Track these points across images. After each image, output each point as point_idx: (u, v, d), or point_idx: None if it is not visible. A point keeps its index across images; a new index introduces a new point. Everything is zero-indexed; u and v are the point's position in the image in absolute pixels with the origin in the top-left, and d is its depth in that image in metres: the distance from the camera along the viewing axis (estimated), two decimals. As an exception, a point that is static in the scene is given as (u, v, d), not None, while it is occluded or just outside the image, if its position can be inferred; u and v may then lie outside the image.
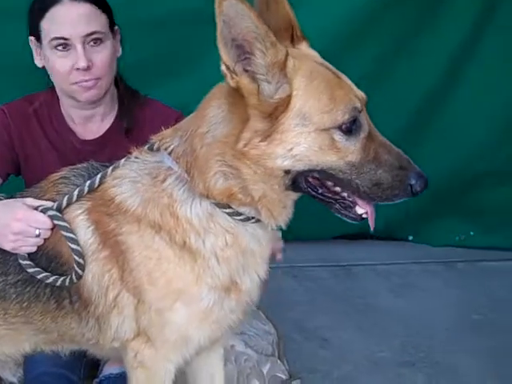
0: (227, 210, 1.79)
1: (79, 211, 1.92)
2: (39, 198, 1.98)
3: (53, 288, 1.93)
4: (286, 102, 1.66)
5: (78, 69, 2.28)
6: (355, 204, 1.77)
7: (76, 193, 1.91)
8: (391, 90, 4.12)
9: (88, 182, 1.92)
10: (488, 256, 4.49)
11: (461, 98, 4.29)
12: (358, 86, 3.70)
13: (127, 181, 1.88)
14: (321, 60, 1.78)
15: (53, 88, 2.47)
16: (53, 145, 2.49)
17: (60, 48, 2.28)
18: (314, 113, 1.66)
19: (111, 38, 2.36)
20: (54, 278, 1.91)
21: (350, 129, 1.68)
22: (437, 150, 4.37)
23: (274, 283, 3.80)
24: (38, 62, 2.42)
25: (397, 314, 3.73)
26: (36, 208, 1.93)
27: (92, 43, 2.29)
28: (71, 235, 1.88)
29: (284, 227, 1.86)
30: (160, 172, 1.85)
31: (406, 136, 4.28)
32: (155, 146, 1.89)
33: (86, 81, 2.31)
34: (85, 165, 2.02)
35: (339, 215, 1.80)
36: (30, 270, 1.93)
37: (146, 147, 1.91)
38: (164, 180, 1.84)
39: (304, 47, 1.82)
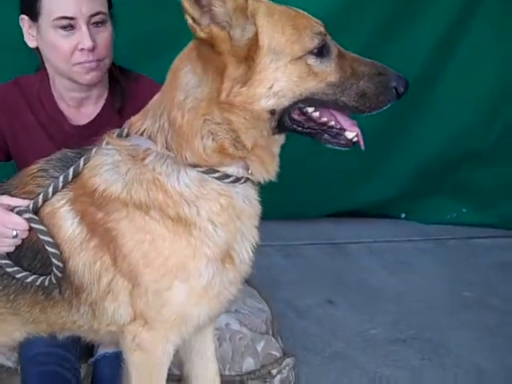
0: (215, 175, 1.79)
1: (62, 202, 1.90)
2: (18, 191, 1.96)
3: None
4: (255, 42, 1.70)
5: (82, 49, 2.25)
6: (344, 130, 1.81)
7: (51, 189, 1.89)
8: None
9: (61, 176, 1.89)
10: (479, 233, 4.54)
11: (450, 77, 4.30)
12: None
13: (106, 168, 1.86)
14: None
15: (44, 70, 2.43)
16: (44, 128, 2.46)
17: (63, 27, 2.24)
18: (284, 45, 1.71)
19: (110, 20, 2.34)
20: (33, 277, 1.91)
21: (321, 51, 1.73)
22: (428, 128, 4.40)
23: (265, 262, 3.88)
24: (31, 42, 2.37)
25: (389, 291, 3.76)
26: (12, 209, 1.90)
27: (95, 24, 2.27)
28: (48, 239, 1.86)
29: (274, 179, 1.87)
30: (138, 153, 1.83)
31: (397, 115, 4.29)
32: (124, 133, 1.89)
33: (89, 62, 2.28)
34: (59, 155, 1.99)
35: (330, 145, 1.83)
36: (9, 270, 1.92)
37: (115, 135, 1.90)
38: (143, 159, 1.82)
39: None
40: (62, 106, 2.46)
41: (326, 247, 4.35)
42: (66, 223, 1.88)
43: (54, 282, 1.89)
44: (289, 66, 1.70)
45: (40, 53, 2.39)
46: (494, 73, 4.30)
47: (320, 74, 1.73)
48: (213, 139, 1.75)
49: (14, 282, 1.94)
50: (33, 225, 1.88)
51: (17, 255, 1.93)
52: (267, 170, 1.83)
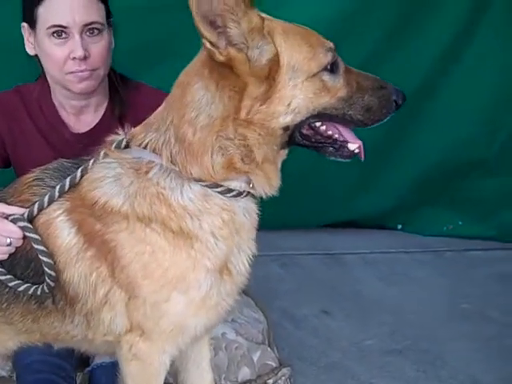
0: (218, 189, 1.81)
1: (58, 212, 1.89)
2: (14, 200, 1.95)
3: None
4: (276, 61, 1.74)
5: (74, 58, 2.26)
6: (346, 142, 1.88)
7: (47, 199, 1.89)
8: (386, 75, 4.11)
9: (57, 186, 1.89)
10: (476, 245, 4.53)
11: (450, 89, 4.30)
12: None
13: (108, 181, 1.86)
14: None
15: (44, 78, 2.44)
16: (43, 135, 2.47)
17: (57, 36, 2.25)
18: (302, 62, 1.76)
19: (107, 29, 2.35)
20: (25, 286, 1.90)
21: (332, 68, 1.80)
22: (426, 140, 4.40)
23: (262, 271, 3.87)
24: (30, 50, 2.39)
25: (385, 302, 3.75)
26: (7, 217, 1.90)
27: (89, 33, 2.27)
28: (42, 248, 1.86)
29: (276, 193, 1.89)
30: (141, 166, 1.83)
31: (396, 127, 4.31)
32: (123, 144, 1.89)
33: (82, 71, 2.28)
34: (55, 165, 1.99)
35: (334, 157, 1.91)
36: (2, 278, 1.91)
37: (113, 146, 1.90)
38: (147, 172, 1.82)
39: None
40: (62, 114, 2.47)
41: (322, 257, 4.34)
42: (63, 233, 1.88)
43: (47, 291, 1.88)
44: (305, 83, 1.76)
45: (39, 61, 2.40)
46: (497, 82, 4.31)
47: (332, 89, 1.80)
48: (222, 154, 1.77)
49: (7, 290, 1.93)
50: (27, 233, 1.88)
51: (10, 263, 1.93)
52: (271, 184, 1.86)
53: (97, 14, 2.28)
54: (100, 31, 2.30)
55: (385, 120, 1.89)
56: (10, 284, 1.91)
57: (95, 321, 1.92)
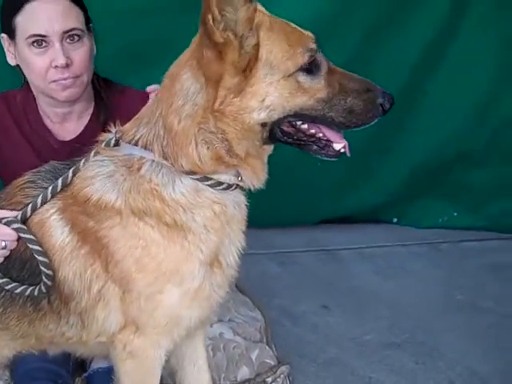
0: (208, 182, 1.83)
1: (51, 211, 1.91)
2: (6, 203, 1.97)
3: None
4: (255, 55, 1.74)
5: (56, 66, 2.26)
6: (331, 142, 1.85)
7: (40, 200, 1.90)
8: (373, 74, 4.13)
9: (50, 187, 1.91)
10: (471, 236, 4.54)
11: (442, 79, 4.32)
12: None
13: (100, 178, 1.87)
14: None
15: (28, 86, 2.44)
16: (30, 143, 2.48)
17: (37, 45, 2.24)
18: (279, 60, 1.75)
19: (88, 35, 2.34)
20: (22, 288, 1.92)
21: (310, 68, 1.77)
22: (418, 132, 4.42)
23: (259, 270, 3.89)
24: (11, 61, 2.39)
25: (382, 296, 3.77)
26: (0, 220, 1.90)
27: (69, 40, 2.27)
28: (37, 247, 1.87)
29: (263, 186, 1.91)
30: (133, 163, 1.85)
31: (388, 120, 4.30)
32: (112, 142, 1.90)
33: (65, 79, 2.28)
34: (47, 167, 2.00)
35: (319, 156, 1.87)
36: None
37: (103, 144, 1.92)
38: (139, 169, 1.84)
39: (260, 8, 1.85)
40: (47, 122, 2.48)
41: (319, 254, 4.35)
42: (56, 232, 1.89)
43: (44, 290, 1.90)
44: (281, 82, 1.75)
45: (21, 70, 2.40)
46: (484, 77, 4.33)
47: (310, 90, 1.77)
48: (208, 148, 1.79)
49: (3, 294, 1.95)
50: (21, 234, 1.89)
51: (5, 267, 1.94)
52: (258, 177, 1.88)
53: (76, 21, 2.28)
54: (80, 37, 2.30)
55: (370, 124, 1.86)
56: (7, 287, 1.92)
57: (89, 320, 1.93)
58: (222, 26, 1.69)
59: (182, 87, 1.79)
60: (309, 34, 1.83)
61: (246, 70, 1.74)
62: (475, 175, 4.58)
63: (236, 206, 1.91)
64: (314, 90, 1.79)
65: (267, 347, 2.86)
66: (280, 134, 1.81)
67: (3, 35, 2.36)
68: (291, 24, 1.83)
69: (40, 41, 2.24)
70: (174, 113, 1.79)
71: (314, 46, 1.80)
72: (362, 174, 4.51)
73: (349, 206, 4.62)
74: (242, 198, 1.93)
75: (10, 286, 1.93)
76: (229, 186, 1.86)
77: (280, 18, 1.85)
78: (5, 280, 1.93)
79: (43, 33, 2.23)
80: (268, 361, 2.77)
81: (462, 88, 4.32)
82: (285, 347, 3.07)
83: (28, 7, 2.24)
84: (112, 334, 1.94)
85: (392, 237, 4.58)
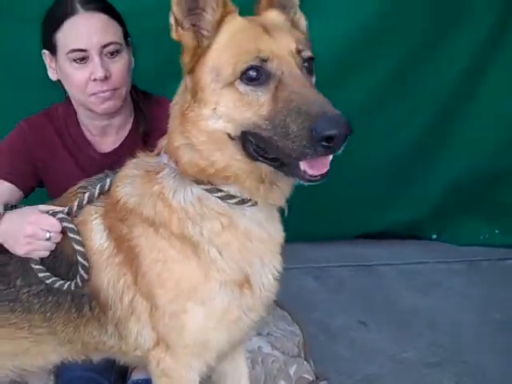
0: (218, 194, 1.76)
1: (95, 215, 1.94)
2: (59, 205, 2.02)
3: (73, 296, 1.95)
4: (202, 56, 1.68)
5: (95, 79, 2.30)
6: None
7: (86, 196, 1.94)
8: (413, 92, 4.12)
9: (98, 185, 1.95)
10: (512, 255, 4.47)
11: (486, 95, 4.25)
12: (379, 88, 3.64)
13: (128, 181, 1.91)
14: (274, 23, 1.74)
15: (69, 100, 2.48)
16: (72, 155, 2.52)
17: (78, 60, 2.29)
18: (222, 66, 1.64)
19: (126, 49, 2.39)
20: (60, 282, 1.94)
21: (251, 78, 1.60)
22: (460, 149, 4.36)
23: (296, 284, 3.87)
24: (53, 76, 2.44)
25: (422, 313, 3.71)
26: (47, 212, 1.97)
27: (109, 54, 2.31)
28: (77, 237, 1.91)
29: (281, 205, 1.81)
30: (156, 168, 1.87)
31: (430, 136, 4.28)
32: (156, 151, 1.93)
33: (104, 91, 2.33)
34: (100, 175, 2.05)
35: (297, 178, 1.61)
36: (41, 275, 1.96)
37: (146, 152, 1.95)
38: (157, 173, 1.85)
39: (270, 14, 1.80)
40: (87, 135, 2.52)
41: (356, 269, 4.32)
42: (96, 236, 1.92)
43: (80, 284, 1.91)
44: (224, 91, 1.63)
45: (62, 85, 2.44)
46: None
47: (253, 103, 1.60)
48: (189, 152, 1.74)
49: (50, 299, 1.98)
50: (64, 223, 1.93)
51: (52, 266, 1.98)
52: (257, 195, 1.75)
53: (114, 35, 2.32)
54: (118, 51, 2.34)
55: (309, 158, 1.53)
56: (48, 281, 1.95)
57: (125, 332, 1.93)
58: (187, 24, 1.68)
59: (180, 89, 1.81)
60: (283, 43, 1.65)
61: (194, 73, 1.69)
62: (517, 192, 4.50)
63: (254, 222, 1.81)
64: (258, 105, 1.59)
65: (305, 362, 2.85)
66: (253, 151, 1.64)
67: (45, 51, 2.42)
68: (275, 31, 1.67)
69: (80, 55, 2.29)
70: (172, 113, 1.81)
71: (264, 54, 1.61)
72: (401, 189, 4.46)
73: (387, 221, 4.58)
74: (261, 216, 1.82)
75: (50, 280, 1.95)
76: (243, 201, 1.76)
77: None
78: (46, 274, 1.96)
79: (83, 47, 2.28)
80: (306, 376, 2.75)
81: (505, 104, 4.26)
82: (322, 362, 3.04)
83: (68, 23, 2.29)
84: (147, 350, 1.93)
85: (431, 253, 4.52)
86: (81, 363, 2.14)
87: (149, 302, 1.86)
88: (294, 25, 1.81)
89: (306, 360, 2.87)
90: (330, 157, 1.57)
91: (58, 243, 1.97)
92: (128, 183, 1.90)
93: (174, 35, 1.69)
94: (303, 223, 3.84)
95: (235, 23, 1.70)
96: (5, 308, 2.00)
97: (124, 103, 2.44)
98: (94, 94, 2.33)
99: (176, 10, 1.66)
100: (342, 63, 3.89)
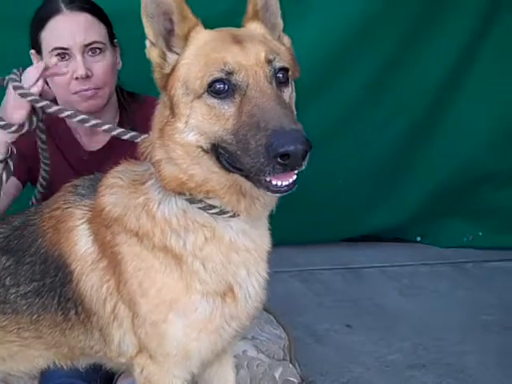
0: (200, 205, 1.74)
1: (81, 220, 1.93)
2: (49, 209, 2.00)
3: (59, 299, 1.94)
4: (173, 72, 1.68)
5: (77, 78, 2.31)
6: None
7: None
8: (394, 94, 4.14)
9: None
10: (496, 256, 4.50)
11: (467, 98, 4.30)
12: (362, 90, 3.60)
13: (114, 190, 1.89)
14: (249, 33, 1.72)
15: (56, 100, 2.46)
16: (63, 155, 2.53)
17: (59, 58, 2.31)
18: (192, 79, 1.64)
19: (111, 50, 2.39)
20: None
21: (217, 91, 1.58)
22: (443, 151, 4.40)
23: (282, 287, 3.88)
24: None
25: (406, 315, 3.74)
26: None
27: (91, 53, 2.33)
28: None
29: (264, 216, 1.80)
30: (142, 177, 1.85)
31: (413, 140, 4.31)
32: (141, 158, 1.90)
33: (86, 90, 2.34)
34: (91, 176, 2.04)
35: (262, 189, 1.58)
36: None
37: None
38: (144, 183, 1.83)
39: (252, 25, 1.77)
40: (75, 134, 2.53)
41: (342, 272, 4.34)
42: (81, 240, 1.91)
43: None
44: (194, 104, 1.63)
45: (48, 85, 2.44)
46: (512, 95, 4.29)
47: (220, 117, 1.59)
48: (168, 166, 1.73)
49: (37, 300, 1.96)
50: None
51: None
52: (238, 208, 1.73)
53: (97, 34, 2.34)
54: (101, 50, 2.36)
55: (269, 174, 1.49)
56: None
57: (109, 338, 1.92)
58: (161, 43, 1.70)
59: (161, 102, 1.79)
60: (251, 55, 1.60)
61: (167, 88, 1.69)
62: (501, 194, 4.55)
63: (240, 233, 1.79)
64: (224, 119, 1.58)
65: (291, 365, 2.84)
66: (227, 165, 1.62)
67: (32, 51, 2.43)
68: (246, 41, 1.64)
69: (62, 53, 2.31)
70: (152, 125, 1.80)
71: (229, 66, 1.58)
72: (385, 192, 4.49)
73: (372, 225, 4.60)
74: (245, 227, 1.79)
75: None
76: (223, 211, 1.74)
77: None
78: None
79: (65, 46, 2.30)
80: (291, 379, 2.74)
81: (489, 107, 4.30)
82: (308, 365, 3.05)
83: (51, 22, 2.32)
84: (130, 357, 1.92)
85: (416, 256, 4.56)
86: (66, 370, 2.13)
87: (131, 309, 1.85)
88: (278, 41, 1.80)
89: (291, 363, 2.86)
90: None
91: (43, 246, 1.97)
92: (113, 193, 1.89)
93: (146, 53, 1.72)
94: (289, 227, 3.85)
95: (201, 36, 1.70)
96: None
97: (108, 103, 2.45)
98: (76, 92, 2.35)
99: (147, 31, 1.69)
100: (325, 67, 3.91)
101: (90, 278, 1.89)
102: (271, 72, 1.60)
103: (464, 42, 4.18)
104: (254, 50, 1.61)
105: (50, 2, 2.35)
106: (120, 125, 2.50)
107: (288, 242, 4.14)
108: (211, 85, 1.59)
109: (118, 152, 2.39)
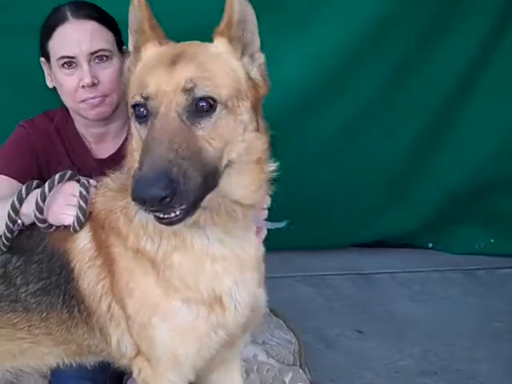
0: None
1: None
2: None
3: (64, 297, 1.96)
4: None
5: (83, 86, 2.32)
6: None
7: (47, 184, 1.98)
8: (407, 100, 4.13)
9: (58, 175, 1.99)
10: (508, 263, 4.47)
11: (479, 104, 4.27)
12: (374, 96, 3.56)
13: (103, 191, 1.93)
14: (196, 52, 1.68)
15: (66, 107, 2.50)
16: (71, 160, 2.52)
17: (66, 66, 2.31)
18: (129, 100, 1.66)
19: (119, 57, 2.39)
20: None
21: (137, 115, 1.60)
22: (455, 157, 4.37)
23: (293, 292, 3.88)
24: (49, 83, 2.46)
25: (417, 322, 3.72)
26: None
27: (97, 60, 2.33)
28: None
29: (237, 228, 1.77)
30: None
31: (425, 146, 4.29)
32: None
33: (93, 98, 2.34)
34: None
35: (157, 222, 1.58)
36: None
37: None
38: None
39: (216, 41, 1.73)
40: (85, 141, 2.53)
41: (353, 277, 4.33)
42: (81, 236, 1.94)
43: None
44: (132, 124, 1.68)
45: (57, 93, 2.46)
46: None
47: (139, 142, 1.64)
48: None
49: (45, 298, 1.98)
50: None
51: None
52: (200, 220, 1.73)
53: (104, 42, 2.33)
54: (108, 57, 2.35)
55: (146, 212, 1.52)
56: None
57: (108, 337, 1.94)
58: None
59: None
60: (174, 79, 1.57)
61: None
62: (512, 201, 4.52)
63: (218, 243, 1.78)
64: (140, 143, 1.62)
65: (301, 370, 2.83)
66: None
67: (42, 59, 2.44)
68: (179, 62, 1.60)
69: (69, 62, 2.31)
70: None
71: (148, 91, 1.57)
72: (397, 198, 4.47)
73: (383, 230, 4.59)
74: (222, 236, 1.78)
75: None
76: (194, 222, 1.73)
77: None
78: None
79: (71, 54, 2.30)
80: (301, 384, 2.75)
81: (499, 113, 4.27)
82: (318, 371, 3.05)
83: (59, 30, 2.32)
84: (129, 358, 1.94)
85: (427, 262, 4.54)
86: (75, 370, 2.15)
87: (123, 310, 1.87)
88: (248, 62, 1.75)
89: (301, 368, 2.86)
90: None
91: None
92: (102, 194, 1.93)
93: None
94: (300, 233, 3.86)
95: (148, 52, 1.71)
96: (7, 308, 2.02)
97: (117, 110, 2.45)
98: (83, 100, 2.35)
99: (129, 45, 1.77)
100: (338, 71, 3.90)
101: (88, 275, 1.91)
102: (188, 101, 1.56)
103: (476, 49, 4.15)
104: (179, 75, 1.57)
105: (58, 10, 2.36)
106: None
107: (299, 247, 4.14)
108: (134, 108, 1.61)
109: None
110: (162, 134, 1.51)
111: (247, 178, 1.71)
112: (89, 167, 2.48)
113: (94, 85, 2.32)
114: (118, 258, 1.85)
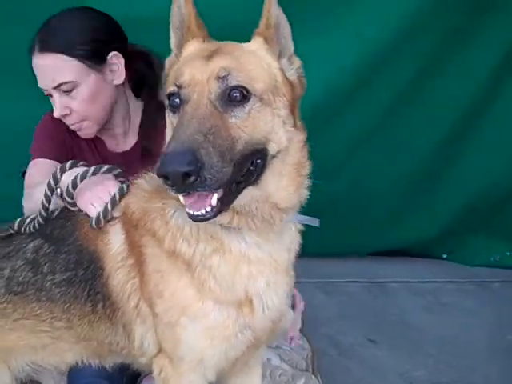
0: None
1: (118, 219, 1.98)
2: None
3: (89, 291, 1.98)
4: None
5: None
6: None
7: (109, 201, 1.98)
8: (427, 108, 4.11)
9: (117, 189, 2.00)
10: (523, 277, 4.44)
11: (498, 113, 4.23)
12: (393, 103, 3.50)
13: (138, 192, 1.95)
14: (234, 49, 1.72)
15: None
16: (91, 150, 2.57)
17: (49, 96, 2.38)
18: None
19: (91, 78, 2.35)
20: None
21: (171, 104, 1.65)
22: (471, 168, 4.34)
23: (306, 298, 3.85)
24: None
25: (431, 332, 3.70)
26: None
27: (64, 91, 2.33)
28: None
29: (272, 232, 1.79)
30: None
31: (442, 155, 4.27)
32: None
33: (72, 124, 2.40)
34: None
35: (189, 219, 1.62)
36: None
37: None
38: (166, 190, 1.86)
39: (254, 40, 1.77)
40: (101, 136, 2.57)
41: (367, 285, 4.32)
42: (115, 239, 1.96)
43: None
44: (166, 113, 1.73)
45: None
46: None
47: (171, 130, 1.71)
48: None
49: (70, 289, 2.00)
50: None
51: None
52: (236, 224, 1.77)
53: (67, 74, 2.31)
54: (75, 87, 2.34)
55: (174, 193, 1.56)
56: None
57: (132, 334, 1.96)
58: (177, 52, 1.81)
59: None
60: (207, 69, 1.61)
61: None
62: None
63: (254, 246, 1.81)
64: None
65: (313, 376, 2.83)
66: None
67: None
68: (214, 56, 1.65)
69: (46, 92, 2.37)
70: None
71: (181, 80, 1.61)
72: (413, 208, 4.45)
73: (399, 240, 4.57)
74: (258, 240, 1.80)
75: None
76: (231, 226, 1.77)
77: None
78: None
79: (43, 87, 2.36)
80: (314, 390, 2.74)
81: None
82: (330, 378, 3.03)
83: (33, 60, 2.35)
84: (151, 357, 1.95)
85: (442, 272, 4.52)
86: (92, 369, 2.16)
87: (151, 308, 1.89)
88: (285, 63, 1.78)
89: (313, 374, 2.85)
90: (213, 195, 1.54)
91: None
92: (137, 195, 1.95)
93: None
94: (316, 240, 3.83)
95: (189, 48, 1.76)
96: (32, 297, 2.04)
97: (110, 119, 2.48)
98: (68, 126, 2.43)
99: (171, 42, 1.80)
100: (358, 77, 3.88)
101: (118, 274, 1.94)
102: (220, 89, 1.59)
103: (499, 60, 4.12)
104: (214, 65, 1.61)
105: (35, 35, 2.35)
106: (141, 124, 2.55)
107: (314, 254, 4.11)
108: (169, 98, 1.66)
109: (138, 159, 2.42)
110: (191, 118, 1.53)
111: (287, 179, 1.75)
112: (105, 158, 2.50)
113: (66, 115, 2.37)
114: (150, 259, 1.86)
